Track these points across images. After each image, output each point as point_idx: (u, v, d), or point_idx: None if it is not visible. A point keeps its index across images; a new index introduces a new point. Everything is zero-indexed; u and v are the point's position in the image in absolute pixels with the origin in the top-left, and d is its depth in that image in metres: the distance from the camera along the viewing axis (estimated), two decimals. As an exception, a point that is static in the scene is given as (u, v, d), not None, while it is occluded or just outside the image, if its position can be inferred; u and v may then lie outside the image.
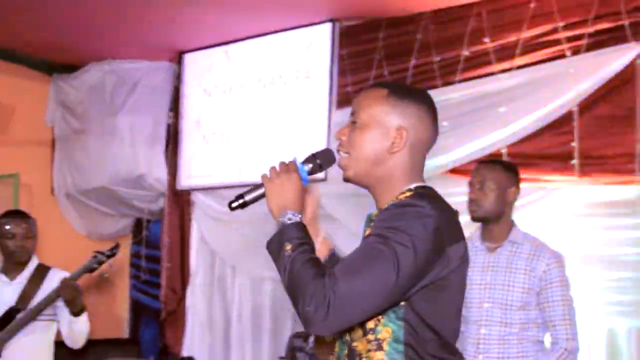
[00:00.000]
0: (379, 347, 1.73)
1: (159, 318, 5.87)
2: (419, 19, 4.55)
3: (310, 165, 1.91)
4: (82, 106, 5.94)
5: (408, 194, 1.79)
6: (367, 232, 1.78)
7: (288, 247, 1.71)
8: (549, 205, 3.99)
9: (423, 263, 1.66)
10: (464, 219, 3.29)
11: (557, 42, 4.00)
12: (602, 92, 3.83)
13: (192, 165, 5.66)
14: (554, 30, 4.02)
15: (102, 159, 5.76)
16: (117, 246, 3.93)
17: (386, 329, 1.72)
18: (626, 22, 3.76)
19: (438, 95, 4.36)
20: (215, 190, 5.47)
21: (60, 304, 3.71)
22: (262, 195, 1.87)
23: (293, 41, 5.14)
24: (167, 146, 5.88)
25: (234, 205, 1.88)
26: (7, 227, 3.75)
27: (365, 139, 1.83)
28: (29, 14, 4.94)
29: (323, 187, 4.30)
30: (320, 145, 4.21)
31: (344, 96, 4.79)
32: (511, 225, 3.19)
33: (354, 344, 1.77)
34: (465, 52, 4.34)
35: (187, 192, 5.69)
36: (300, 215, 1.79)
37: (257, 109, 5.30)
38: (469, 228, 3.34)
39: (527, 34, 4.11)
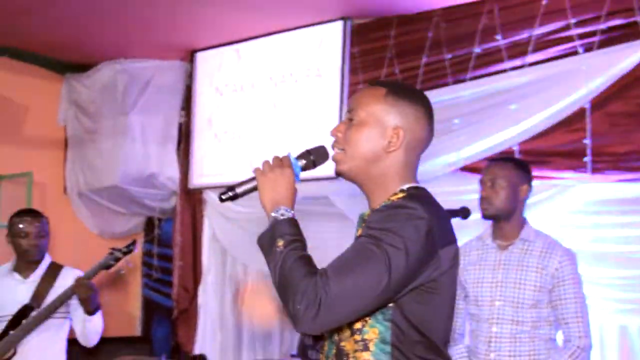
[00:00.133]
0: (366, 348, 1.73)
1: (171, 316, 5.89)
2: (431, 16, 4.54)
3: (304, 161, 1.90)
4: (94, 105, 5.95)
5: (401, 195, 1.78)
6: (359, 233, 1.78)
7: (280, 243, 1.71)
8: (561, 202, 3.97)
9: (414, 265, 1.67)
10: (475, 216, 3.29)
11: (569, 39, 3.98)
12: (615, 89, 3.81)
13: (203, 163, 5.67)
14: (566, 27, 3.99)
15: (114, 158, 5.78)
16: (133, 243, 3.92)
17: (373, 329, 1.73)
18: (639, 19, 3.74)
19: (449, 93, 4.37)
20: (226, 188, 5.46)
21: (74, 302, 3.73)
22: (254, 189, 1.86)
23: (304, 39, 5.14)
24: (179, 145, 5.90)
25: (224, 197, 1.88)
26: (20, 226, 3.77)
27: (362, 137, 1.83)
28: (41, 13, 4.96)
29: (335, 185, 4.32)
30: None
31: (355, 94, 4.78)
32: (523, 223, 3.18)
33: (342, 343, 1.78)
34: (477, 50, 4.32)
35: (199, 191, 5.71)
36: (293, 211, 1.79)
37: (269, 107, 5.30)
38: (480, 226, 3.35)
39: (539, 30, 4.08)
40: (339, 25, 4.93)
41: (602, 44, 3.85)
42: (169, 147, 5.88)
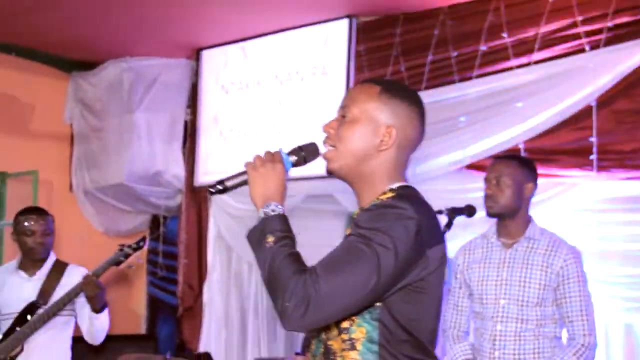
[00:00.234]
0: (353, 347, 1.73)
1: (176, 314, 5.90)
2: (437, 14, 4.53)
3: (295, 157, 1.89)
4: (101, 103, 5.96)
5: (390, 194, 1.78)
6: (348, 232, 1.77)
7: (270, 239, 1.71)
8: (567, 200, 3.96)
9: (403, 265, 1.67)
10: (480, 214, 3.29)
11: (575, 36, 3.97)
12: (621, 87, 3.80)
13: (209, 161, 5.68)
14: (573, 25, 3.98)
15: (119, 156, 5.78)
16: (143, 239, 3.92)
17: (360, 329, 1.73)
18: (645, 17, 3.74)
19: (455, 91, 4.37)
20: (232, 186, 5.47)
21: (80, 299, 3.73)
22: (244, 183, 1.85)
23: (310, 37, 5.14)
24: (184, 143, 5.91)
25: (213, 190, 1.87)
26: (26, 224, 3.77)
27: (354, 134, 1.82)
28: (47, 12, 4.97)
29: (339, 183, 4.30)
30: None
31: (361, 92, 4.77)
32: (528, 221, 3.17)
33: (330, 342, 1.77)
34: (483, 47, 4.31)
35: (204, 189, 5.71)
36: (283, 207, 1.78)
37: (274, 105, 5.30)
38: (485, 224, 3.34)
39: (545, 28, 4.08)
40: (344, 23, 4.92)
41: (609, 42, 3.84)
42: (175, 145, 5.89)
